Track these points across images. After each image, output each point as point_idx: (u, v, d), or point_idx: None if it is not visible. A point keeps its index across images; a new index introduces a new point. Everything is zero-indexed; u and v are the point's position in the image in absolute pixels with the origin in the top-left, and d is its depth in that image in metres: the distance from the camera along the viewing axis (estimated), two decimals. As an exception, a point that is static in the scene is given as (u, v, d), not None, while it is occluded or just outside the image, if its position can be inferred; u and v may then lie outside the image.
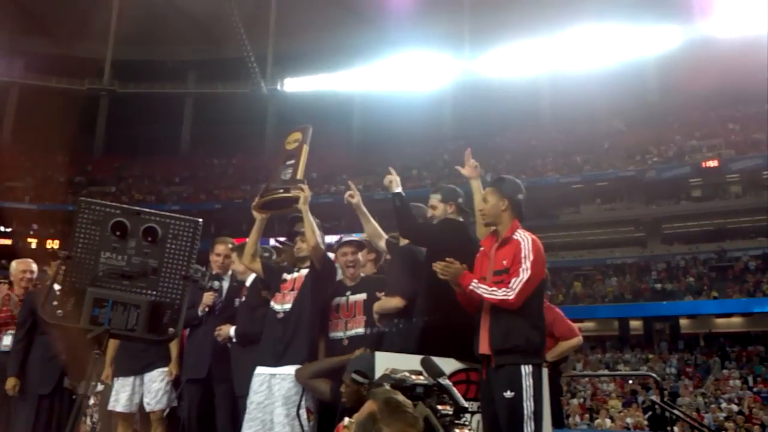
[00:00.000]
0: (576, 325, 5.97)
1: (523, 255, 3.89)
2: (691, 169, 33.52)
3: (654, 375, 12.59)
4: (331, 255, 5.37)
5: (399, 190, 4.47)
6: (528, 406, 3.73)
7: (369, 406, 2.20)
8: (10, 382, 5.51)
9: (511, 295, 3.78)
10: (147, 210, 2.28)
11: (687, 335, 31.18)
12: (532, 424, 3.71)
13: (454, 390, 2.42)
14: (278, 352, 4.64)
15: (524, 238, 3.96)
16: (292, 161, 4.90)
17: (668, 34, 37.43)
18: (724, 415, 19.67)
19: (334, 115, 42.11)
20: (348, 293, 4.85)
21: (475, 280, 3.87)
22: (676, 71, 35.41)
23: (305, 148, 4.89)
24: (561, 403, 7.30)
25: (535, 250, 3.91)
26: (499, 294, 3.80)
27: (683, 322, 31.62)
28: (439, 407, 2.26)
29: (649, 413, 16.56)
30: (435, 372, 3.05)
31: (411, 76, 41.96)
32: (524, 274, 3.84)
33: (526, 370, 3.77)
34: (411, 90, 41.56)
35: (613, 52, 37.94)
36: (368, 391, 2.31)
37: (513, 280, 3.83)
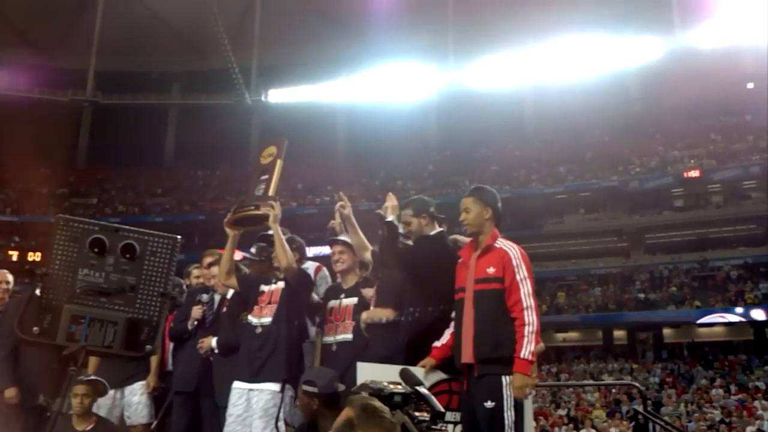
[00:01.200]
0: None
1: (515, 264, 3.91)
2: (673, 179, 33.79)
3: (637, 384, 12.62)
4: (310, 265, 5.41)
5: (391, 218, 4.45)
6: (509, 416, 3.73)
7: (346, 413, 2.20)
8: (10, 392, 5.37)
9: (532, 314, 3.81)
10: (125, 227, 2.28)
11: (670, 344, 31.37)
12: None
13: (432, 397, 2.45)
14: (255, 367, 4.63)
15: (511, 247, 3.98)
16: (266, 176, 4.87)
17: (650, 45, 37.79)
18: (707, 424, 19.75)
19: (318, 126, 42.15)
20: (342, 296, 4.85)
21: (523, 356, 3.76)
22: (658, 82, 35.82)
23: (279, 163, 4.86)
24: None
25: (525, 259, 3.96)
26: (530, 325, 3.79)
27: (666, 331, 31.83)
28: (417, 414, 2.27)
29: (633, 423, 16.60)
30: (413, 381, 3.07)
31: (396, 87, 42.06)
32: (525, 285, 3.87)
33: (506, 380, 3.76)
34: (396, 101, 41.67)
35: (595, 63, 38.24)
36: (345, 398, 2.32)
37: (521, 296, 3.84)
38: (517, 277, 3.87)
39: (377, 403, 2.28)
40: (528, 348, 3.75)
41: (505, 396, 3.75)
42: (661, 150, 35.81)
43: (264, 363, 4.62)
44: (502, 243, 4.01)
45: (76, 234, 2.22)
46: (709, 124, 35.98)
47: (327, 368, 4.46)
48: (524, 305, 3.81)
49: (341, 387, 4.32)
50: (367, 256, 4.96)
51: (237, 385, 4.70)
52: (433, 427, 2.24)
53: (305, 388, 4.24)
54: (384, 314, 4.49)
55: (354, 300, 4.77)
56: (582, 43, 38.35)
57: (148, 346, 2.24)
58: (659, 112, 36.60)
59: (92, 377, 5.07)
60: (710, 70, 32.14)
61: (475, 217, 4.11)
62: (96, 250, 2.20)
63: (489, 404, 3.75)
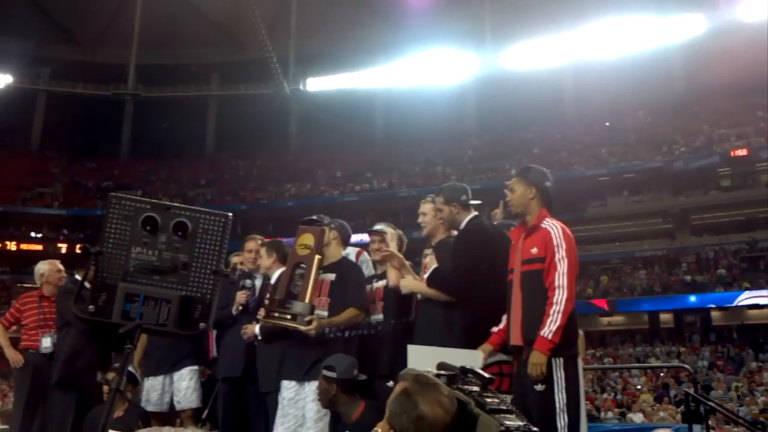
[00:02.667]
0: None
1: (555, 244, 3.84)
2: (719, 158, 33.05)
3: (687, 366, 12.41)
4: (351, 250, 5.41)
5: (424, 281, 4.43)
6: (560, 398, 3.68)
7: (400, 385, 2.17)
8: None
9: (563, 294, 3.74)
10: (177, 205, 2.28)
11: (719, 327, 30.78)
12: (566, 417, 3.66)
13: (478, 370, 2.42)
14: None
15: (553, 226, 3.91)
16: (302, 271, 4.75)
17: (692, 21, 36.86)
18: (759, 407, 19.37)
19: (357, 113, 42.21)
20: (374, 280, 4.88)
21: (543, 334, 3.72)
22: (702, 59, 34.95)
23: (317, 260, 4.69)
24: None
25: (566, 238, 3.87)
26: (559, 304, 3.73)
27: (714, 314, 31.20)
28: (466, 387, 2.24)
29: (681, 407, 16.36)
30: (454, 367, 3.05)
31: (433, 72, 41.82)
32: (562, 264, 3.80)
33: (557, 362, 3.71)
34: (433, 86, 41.43)
35: (636, 42, 37.45)
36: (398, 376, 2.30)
37: (555, 276, 3.78)
38: (556, 257, 3.80)
39: (430, 375, 2.26)
40: (550, 327, 3.69)
41: (555, 378, 3.70)
42: (706, 129, 35.03)
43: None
44: (548, 223, 3.93)
45: (129, 212, 2.23)
46: (755, 101, 34.96)
47: (347, 355, 4.46)
48: (556, 284, 3.75)
49: (362, 376, 4.37)
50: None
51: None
52: (485, 394, 2.20)
53: (325, 373, 4.27)
54: (421, 290, 4.44)
55: (384, 282, 4.77)
56: (622, 22, 37.57)
57: (202, 324, 2.24)
58: (703, 90, 35.76)
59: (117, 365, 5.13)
60: (756, 45, 31.19)
61: (519, 197, 4.04)
62: (148, 228, 2.20)
63: (539, 387, 3.71)
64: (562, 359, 3.72)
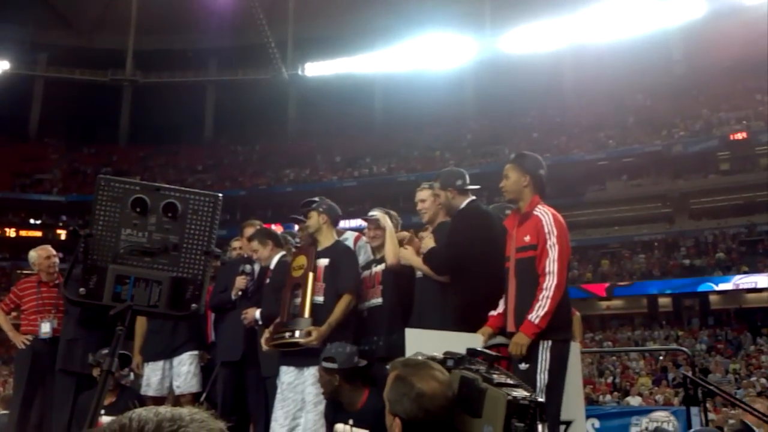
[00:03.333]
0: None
1: (546, 231, 3.88)
2: (718, 142, 32.98)
3: (685, 349, 12.47)
4: (350, 235, 5.42)
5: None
6: (542, 378, 3.74)
7: (392, 375, 2.19)
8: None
9: (553, 280, 3.78)
10: (166, 186, 2.27)
11: (717, 311, 30.86)
12: (543, 396, 3.66)
13: (484, 349, 2.46)
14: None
15: (545, 213, 3.94)
16: (299, 291, 4.82)
17: (692, 4, 36.65)
18: (756, 390, 19.46)
19: (355, 98, 42.09)
20: (373, 265, 4.86)
21: (530, 318, 3.78)
22: (701, 42, 34.81)
23: (310, 277, 4.76)
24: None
25: (557, 224, 3.90)
26: (548, 290, 3.78)
27: (713, 297, 31.28)
28: (472, 367, 2.27)
29: (681, 389, 16.44)
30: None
31: (432, 56, 41.66)
32: (553, 251, 3.84)
33: (544, 344, 3.77)
34: (432, 70, 41.27)
35: (635, 25, 37.24)
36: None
37: (546, 262, 3.81)
38: (547, 244, 3.84)
39: (420, 357, 2.28)
40: (538, 312, 3.75)
41: (539, 359, 3.76)
42: (705, 112, 34.93)
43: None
44: (540, 210, 3.96)
45: (118, 194, 2.22)
46: (755, 85, 34.83)
47: (346, 343, 4.46)
48: (546, 270, 3.80)
49: (362, 362, 4.37)
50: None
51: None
52: (491, 371, 2.23)
53: (325, 365, 4.26)
54: (418, 264, 4.45)
55: (383, 265, 4.75)
56: (621, 5, 37.36)
57: (194, 305, 2.23)
58: (703, 73, 35.60)
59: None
60: (756, 28, 31.03)
61: (513, 184, 4.07)
62: (138, 209, 2.19)
63: (523, 366, 3.79)
64: (550, 342, 3.78)
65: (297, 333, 4.62)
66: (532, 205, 3.98)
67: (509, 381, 2.21)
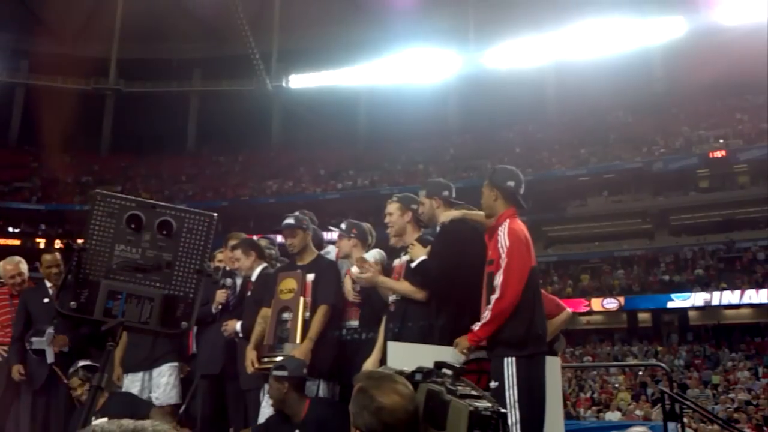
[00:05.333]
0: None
1: (500, 245, 3.90)
2: (698, 159, 33.34)
3: (663, 365, 12.55)
4: (332, 249, 5.42)
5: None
6: (511, 395, 3.74)
7: (356, 387, 2.21)
8: (15, 370, 5.56)
9: (498, 294, 3.82)
10: (162, 204, 2.29)
11: (696, 327, 31.11)
12: (517, 413, 3.72)
13: (451, 361, 2.48)
14: None
15: (503, 228, 3.94)
16: (289, 315, 4.80)
17: (673, 23, 37.16)
18: (734, 406, 19.63)
19: (339, 110, 42.15)
20: (402, 254, 4.66)
21: (472, 329, 3.89)
22: (682, 61, 35.21)
23: (301, 303, 4.76)
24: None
25: (511, 237, 3.89)
26: (491, 303, 3.83)
27: (692, 313, 31.53)
28: (439, 379, 2.29)
29: (658, 405, 16.55)
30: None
31: (416, 70, 41.85)
32: (503, 265, 3.85)
33: (508, 361, 3.79)
34: (416, 84, 41.45)
35: (617, 43, 37.65)
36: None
37: (496, 278, 3.85)
38: (501, 261, 3.86)
39: (384, 370, 2.31)
40: (480, 322, 3.85)
41: (506, 375, 3.77)
42: (685, 130, 35.36)
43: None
44: (503, 225, 3.97)
45: (113, 210, 2.24)
46: (734, 103, 35.42)
47: (294, 357, 4.50)
48: (495, 284, 3.85)
49: (309, 378, 4.50)
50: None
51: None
52: (457, 383, 2.25)
53: (276, 373, 4.33)
54: (410, 292, 4.35)
55: (406, 257, 4.56)
56: (603, 23, 37.77)
57: (184, 323, 2.25)
58: (683, 92, 36.03)
59: (87, 363, 5.16)
60: (735, 48, 31.51)
61: (485, 199, 4.10)
62: (133, 226, 2.22)
63: (493, 384, 3.81)
64: (513, 358, 3.79)
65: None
66: (500, 220, 3.99)
67: (473, 392, 2.22)
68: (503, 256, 3.85)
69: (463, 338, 3.93)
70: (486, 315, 3.84)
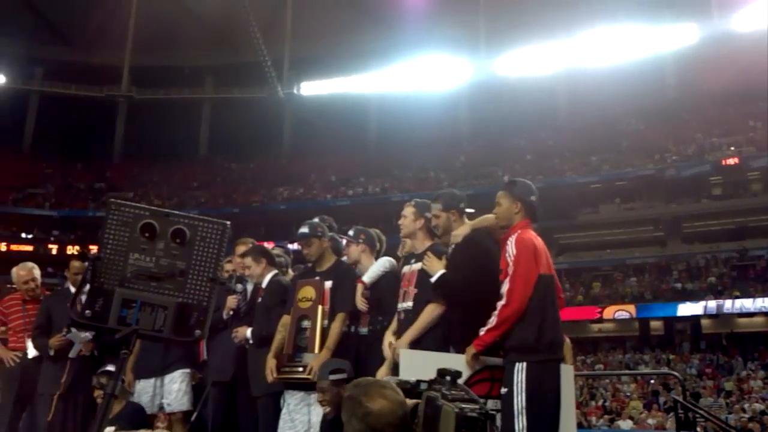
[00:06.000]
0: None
1: (507, 255, 3.95)
2: (711, 167, 33.19)
3: (676, 374, 12.45)
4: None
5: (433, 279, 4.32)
6: (519, 401, 3.75)
7: (345, 394, 2.23)
8: (54, 340, 5.52)
9: (504, 301, 3.87)
10: (176, 212, 2.30)
11: (708, 335, 30.88)
12: (524, 419, 3.72)
13: (449, 368, 2.50)
14: None
15: (511, 240, 3.99)
16: (307, 323, 4.80)
17: (685, 30, 37.07)
18: (747, 416, 19.44)
19: (350, 118, 42.27)
20: (412, 261, 4.64)
21: (479, 333, 3.93)
22: (694, 68, 35.15)
23: (320, 311, 4.76)
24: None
25: (518, 246, 3.94)
26: (498, 309, 3.88)
27: (705, 322, 31.30)
28: (438, 386, 2.32)
29: (671, 414, 16.43)
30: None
31: (427, 78, 41.91)
32: (510, 274, 3.91)
33: (519, 367, 3.80)
34: (427, 91, 41.51)
35: (630, 50, 37.61)
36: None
37: (503, 285, 3.91)
38: (509, 270, 3.92)
39: (370, 378, 2.33)
40: (485, 328, 3.90)
41: (515, 381, 3.79)
42: (698, 137, 35.20)
43: None
44: (513, 235, 4.01)
45: (128, 219, 2.25)
46: (747, 110, 35.18)
47: (342, 360, 4.43)
48: (501, 292, 3.91)
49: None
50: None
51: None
52: (452, 388, 2.28)
53: (333, 377, 4.15)
54: (436, 270, 4.31)
55: (419, 265, 4.50)
56: (615, 30, 37.73)
57: (198, 331, 2.26)
58: (696, 99, 35.92)
59: (107, 368, 5.16)
60: (748, 55, 31.39)
61: (505, 210, 4.14)
62: (147, 234, 2.23)
63: (503, 390, 3.85)
64: (524, 363, 3.80)
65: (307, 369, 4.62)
66: (511, 231, 4.05)
67: (465, 396, 2.26)
68: (510, 265, 3.90)
69: (471, 346, 3.95)
70: (492, 320, 3.88)
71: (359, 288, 4.78)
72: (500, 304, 3.87)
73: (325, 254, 5.04)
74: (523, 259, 3.90)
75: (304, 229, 5.02)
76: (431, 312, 4.30)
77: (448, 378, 2.35)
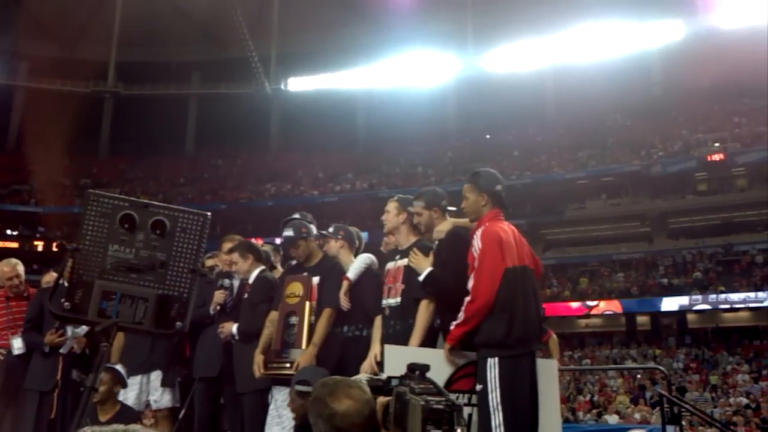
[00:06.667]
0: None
1: (473, 249, 3.91)
2: (696, 163, 33.38)
3: (662, 368, 12.50)
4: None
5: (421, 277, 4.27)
6: (493, 397, 3.71)
7: (311, 397, 2.22)
8: (50, 336, 5.45)
9: (470, 296, 3.83)
10: (156, 203, 2.28)
11: (694, 330, 31.10)
12: (500, 414, 3.68)
13: (418, 363, 2.50)
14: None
15: (477, 234, 3.95)
16: (295, 319, 4.80)
17: (671, 27, 37.25)
18: (732, 409, 19.61)
19: (338, 113, 42.14)
20: (397, 257, 4.61)
21: (451, 328, 3.92)
22: (680, 64, 35.30)
23: (307, 307, 4.76)
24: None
25: (484, 240, 3.88)
26: (464, 304, 3.85)
27: (690, 317, 31.52)
28: (408, 381, 2.32)
29: (656, 408, 16.54)
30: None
31: (414, 74, 41.89)
32: (476, 267, 3.86)
33: (491, 362, 3.76)
34: (415, 87, 41.49)
35: (616, 47, 37.73)
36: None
37: (470, 285, 3.86)
38: (475, 264, 3.88)
39: (337, 377, 2.31)
40: (454, 325, 3.88)
41: (488, 377, 3.74)
42: (684, 133, 35.40)
43: None
44: (479, 229, 3.97)
45: (107, 210, 2.22)
46: (732, 107, 35.45)
47: (317, 367, 4.41)
48: (468, 287, 3.87)
49: None
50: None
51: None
52: (420, 382, 2.28)
53: (299, 388, 4.08)
54: (424, 268, 4.25)
55: (405, 261, 4.46)
56: (602, 26, 37.84)
57: (179, 323, 2.24)
58: (681, 95, 36.08)
59: (111, 365, 5.00)
60: (734, 51, 31.57)
61: (472, 204, 4.09)
62: (126, 226, 2.20)
63: (478, 387, 3.81)
64: (496, 359, 3.76)
65: (294, 365, 4.59)
66: (479, 224, 4.00)
67: (433, 390, 2.26)
68: (476, 258, 3.86)
69: (445, 341, 3.95)
70: (459, 316, 3.85)
71: (344, 285, 4.77)
72: (466, 300, 3.82)
73: (313, 251, 5.04)
74: (488, 253, 3.83)
75: (289, 232, 5.00)
76: (427, 309, 4.27)
77: (417, 372, 2.35)
